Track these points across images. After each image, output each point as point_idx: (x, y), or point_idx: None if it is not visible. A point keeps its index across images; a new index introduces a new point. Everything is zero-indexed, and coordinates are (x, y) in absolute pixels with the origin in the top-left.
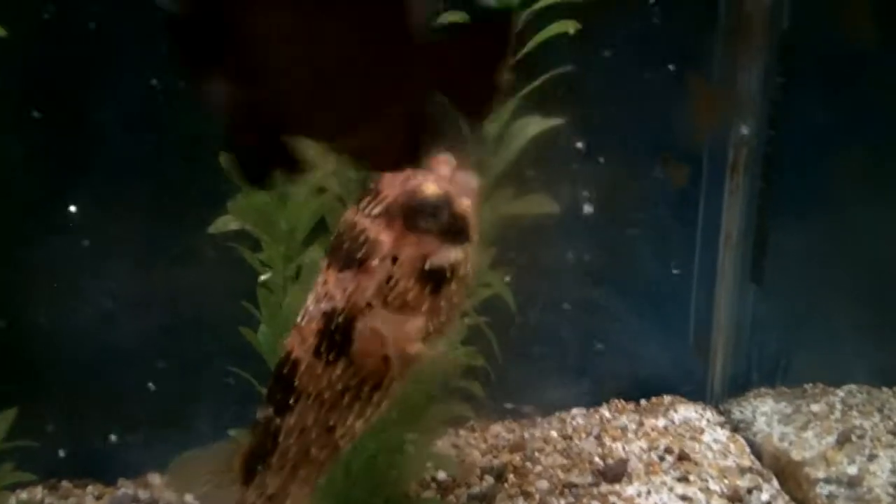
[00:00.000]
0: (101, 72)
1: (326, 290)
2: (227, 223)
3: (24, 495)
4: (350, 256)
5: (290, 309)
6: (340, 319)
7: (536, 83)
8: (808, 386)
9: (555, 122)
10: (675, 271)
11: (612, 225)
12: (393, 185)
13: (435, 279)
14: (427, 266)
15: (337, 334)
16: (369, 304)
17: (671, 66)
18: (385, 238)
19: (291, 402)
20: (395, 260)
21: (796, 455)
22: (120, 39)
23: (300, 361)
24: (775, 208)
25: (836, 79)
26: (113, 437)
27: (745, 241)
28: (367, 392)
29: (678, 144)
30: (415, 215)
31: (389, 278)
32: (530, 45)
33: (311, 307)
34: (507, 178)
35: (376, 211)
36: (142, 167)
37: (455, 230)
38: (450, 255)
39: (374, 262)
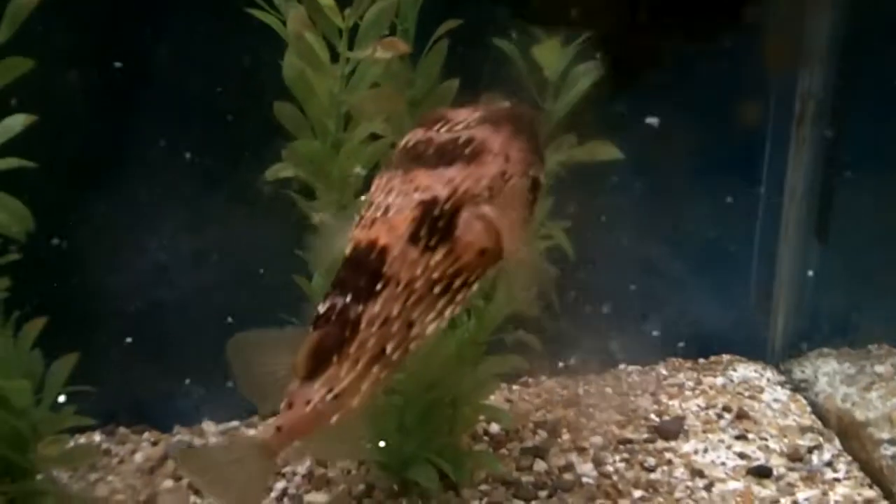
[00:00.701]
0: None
1: (417, 184)
2: (281, 170)
3: (82, 440)
4: (454, 153)
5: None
6: (447, 206)
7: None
8: (872, 347)
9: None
10: (734, 229)
11: (672, 178)
12: (460, 112)
13: (535, 186)
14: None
15: (441, 220)
16: (481, 195)
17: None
18: (494, 139)
19: (378, 288)
20: (507, 158)
21: (860, 415)
22: None
23: (390, 248)
24: (843, 162)
25: None
26: (169, 385)
27: (810, 196)
28: (456, 286)
29: (745, 92)
30: (520, 123)
31: (504, 173)
32: None
33: (399, 199)
34: (568, 124)
35: (474, 118)
36: (196, 114)
37: (540, 151)
38: (543, 169)
39: (489, 157)
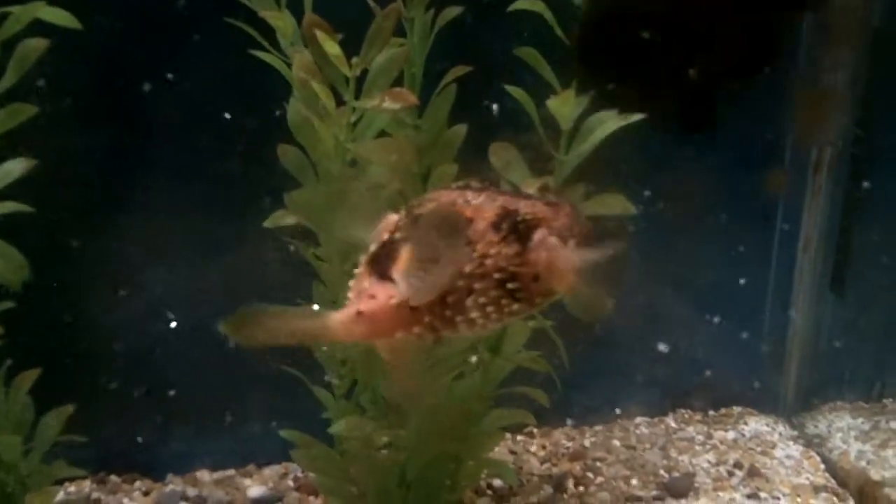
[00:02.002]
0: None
1: (499, 200)
2: (282, 217)
3: (72, 488)
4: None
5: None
6: (528, 217)
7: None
8: (887, 401)
9: (635, 117)
10: (746, 277)
11: (684, 226)
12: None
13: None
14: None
15: (520, 225)
16: (555, 226)
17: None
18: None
19: (459, 241)
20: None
21: (875, 475)
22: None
23: (476, 220)
24: (860, 212)
25: None
26: (162, 433)
27: (825, 245)
28: (507, 290)
29: (762, 137)
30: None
31: (571, 226)
32: None
33: (480, 200)
34: (581, 176)
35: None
36: (198, 161)
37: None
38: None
39: (561, 211)
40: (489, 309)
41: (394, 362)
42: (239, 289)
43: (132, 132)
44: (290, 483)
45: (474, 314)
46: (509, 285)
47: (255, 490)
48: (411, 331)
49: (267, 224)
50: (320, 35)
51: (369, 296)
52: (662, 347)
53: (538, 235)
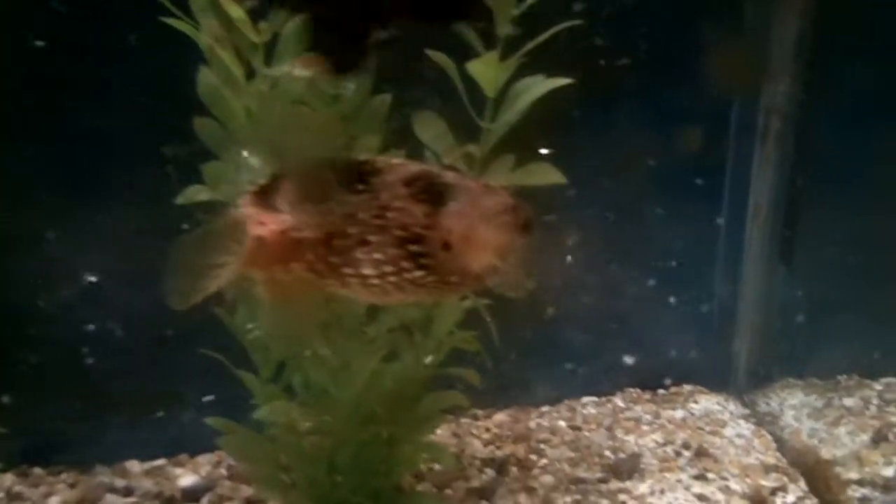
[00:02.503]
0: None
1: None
2: (195, 193)
3: None
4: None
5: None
6: (449, 183)
7: (540, 39)
8: (841, 377)
9: (562, 81)
10: (695, 251)
11: (628, 198)
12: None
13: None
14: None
15: (438, 188)
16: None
17: (696, 23)
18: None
19: (360, 186)
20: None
21: (826, 453)
22: None
23: (386, 172)
24: (809, 180)
25: (878, 41)
26: (90, 423)
27: (775, 216)
28: (410, 252)
29: (704, 108)
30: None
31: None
32: None
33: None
34: (508, 145)
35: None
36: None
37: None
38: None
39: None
40: (386, 269)
41: (273, 299)
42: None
43: (53, 111)
44: (223, 472)
45: (368, 270)
46: (412, 247)
47: (186, 479)
48: (292, 266)
49: (180, 200)
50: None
51: (258, 223)
52: (610, 325)
53: (456, 204)
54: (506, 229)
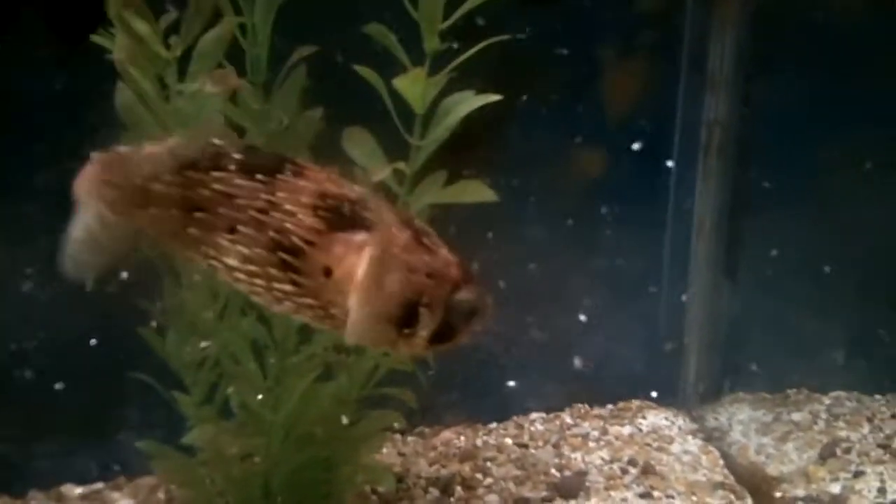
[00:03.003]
0: None
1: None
2: None
3: None
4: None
5: (194, 306)
6: (362, 211)
7: (471, 52)
8: (790, 392)
9: (492, 98)
10: (641, 265)
11: (572, 212)
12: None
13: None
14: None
15: (347, 211)
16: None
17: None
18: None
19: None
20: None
21: (773, 470)
22: None
23: (301, 178)
24: (753, 195)
25: (818, 54)
26: (24, 447)
27: (720, 230)
28: (280, 260)
29: (643, 123)
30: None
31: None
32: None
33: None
34: (438, 162)
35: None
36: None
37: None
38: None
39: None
40: (252, 268)
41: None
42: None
43: None
44: (161, 496)
45: (231, 261)
46: (284, 256)
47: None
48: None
49: None
50: (127, 15)
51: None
52: (559, 341)
53: (362, 238)
54: (418, 292)
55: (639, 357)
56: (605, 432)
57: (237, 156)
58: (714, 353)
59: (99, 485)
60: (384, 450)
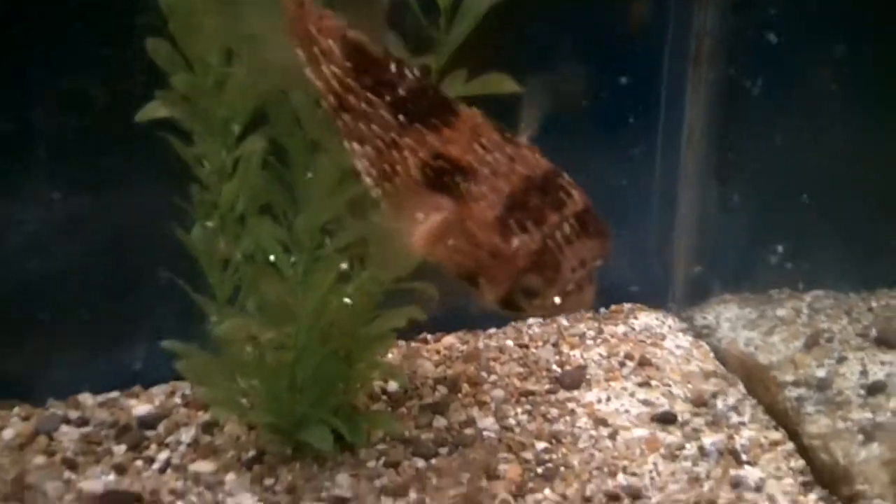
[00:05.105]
0: None
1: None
2: (154, 110)
3: None
4: None
5: (226, 204)
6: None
7: None
8: (773, 291)
9: None
10: (632, 174)
11: (563, 123)
12: None
13: None
14: None
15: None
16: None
17: None
18: None
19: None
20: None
21: (763, 359)
22: None
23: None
24: (742, 102)
25: None
26: (41, 357)
27: (709, 137)
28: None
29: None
30: None
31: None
32: None
33: None
34: (462, 55)
35: None
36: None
37: None
38: None
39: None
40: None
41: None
42: (117, 204)
43: None
44: (178, 401)
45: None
46: (385, 184)
47: (140, 409)
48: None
49: (139, 118)
50: None
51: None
52: None
53: (442, 200)
54: (476, 268)
55: (630, 262)
56: (600, 332)
57: (402, 91)
58: (701, 257)
59: (115, 393)
60: (389, 355)
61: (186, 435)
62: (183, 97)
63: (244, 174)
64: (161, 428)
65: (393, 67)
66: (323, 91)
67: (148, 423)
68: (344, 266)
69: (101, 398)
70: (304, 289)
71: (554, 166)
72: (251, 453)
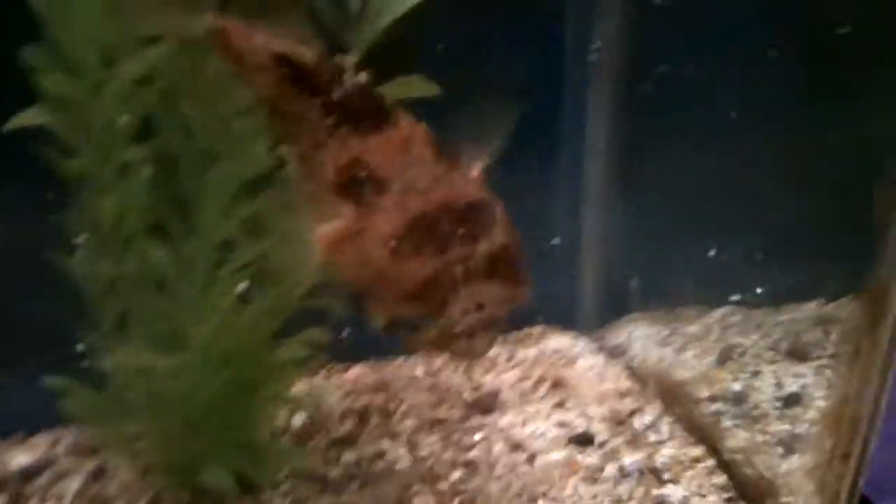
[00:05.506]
0: None
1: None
2: (28, 118)
3: None
4: None
5: (110, 221)
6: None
7: None
8: (682, 309)
9: None
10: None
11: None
12: None
13: None
14: None
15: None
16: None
17: None
18: None
19: None
20: None
21: (677, 376)
22: None
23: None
24: (644, 111)
25: None
26: None
27: (611, 149)
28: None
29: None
30: None
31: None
32: None
33: None
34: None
35: None
36: None
37: None
38: None
39: None
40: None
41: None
42: None
43: None
44: (62, 448)
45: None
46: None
47: (20, 459)
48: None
49: (10, 126)
50: None
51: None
52: None
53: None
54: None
55: (537, 284)
56: (511, 356)
57: (335, 96)
58: (609, 276)
59: None
60: (293, 388)
61: (73, 484)
62: (58, 102)
63: (128, 188)
64: (44, 479)
65: (328, 73)
66: (256, 99)
67: (29, 473)
68: (243, 286)
69: None
70: (199, 313)
71: (489, 200)
72: (145, 500)
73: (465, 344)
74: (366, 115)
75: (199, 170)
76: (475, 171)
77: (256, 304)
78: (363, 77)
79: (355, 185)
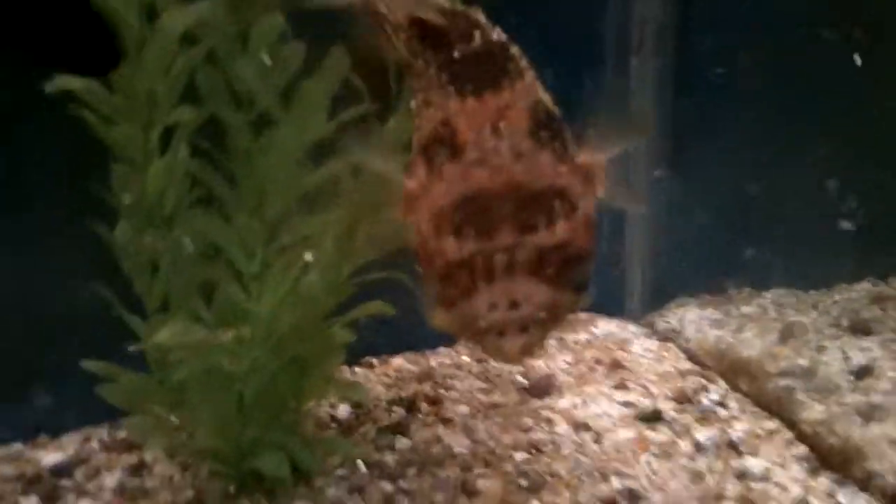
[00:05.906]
0: None
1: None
2: (68, 81)
3: None
4: None
5: (156, 188)
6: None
7: None
8: (732, 292)
9: None
10: None
11: None
12: None
13: None
14: None
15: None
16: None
17: None
18: None
19: None
20: None
21: (742, 354)
22: None
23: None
24: (688, 91)
25: None
26: None
27: (658, 134)
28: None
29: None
30: None
31: None
32: None
33: None
34: None
35: None
36: None
37: None
38: None
39: None
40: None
41: None
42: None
43: None
44: (95, 445)
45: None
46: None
47: (51, 458)
48: None
49: (49, 89)
50: None
51: None
52: None
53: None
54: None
55: None
56: (561, 340)
57: (456, 53)
58: (656, 263)
59: (17, 445)
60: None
61: (110, 480)
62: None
63: (174, 157)
64: (79, 475)
65: (456, 32)
66: (395, 57)
67: (62, 471)
68: (308, 257)
69: (2, 451)
70: (260, 288)
71: (572, 190)
72: (188, 494)
73: (494, 342)
74: (480, 75)
75: (253, 138)
76: (597, 160)
77: (318, 278)
78: (499, 35)
79: (435, 147)
